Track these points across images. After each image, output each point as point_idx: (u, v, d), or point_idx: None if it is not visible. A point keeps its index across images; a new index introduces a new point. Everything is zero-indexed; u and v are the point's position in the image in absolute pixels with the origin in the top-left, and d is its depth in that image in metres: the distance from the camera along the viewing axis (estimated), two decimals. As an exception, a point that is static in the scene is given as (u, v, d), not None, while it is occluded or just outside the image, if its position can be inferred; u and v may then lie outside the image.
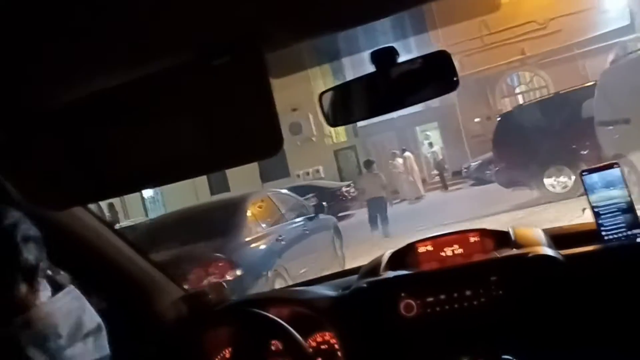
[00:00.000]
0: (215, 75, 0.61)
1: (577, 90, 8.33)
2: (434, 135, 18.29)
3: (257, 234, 5.08)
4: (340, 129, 19.49)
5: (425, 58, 0.92)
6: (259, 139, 0.62)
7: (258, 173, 18.36)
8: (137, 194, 19.17)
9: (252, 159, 0.66)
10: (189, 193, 18.24)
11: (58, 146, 0.70)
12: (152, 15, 0.52)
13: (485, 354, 1.13)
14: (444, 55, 0.92)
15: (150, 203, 19.30)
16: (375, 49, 0.93)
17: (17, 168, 0.72)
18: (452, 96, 16.55)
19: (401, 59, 0.92)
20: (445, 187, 14.91)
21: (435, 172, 15.55)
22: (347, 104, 1.02)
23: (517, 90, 17.45)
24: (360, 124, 17.87)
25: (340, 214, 14.08)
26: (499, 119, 9.36)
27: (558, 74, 15.07)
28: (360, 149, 18.12)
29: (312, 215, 6.37)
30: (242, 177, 17.52)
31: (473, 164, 13.79)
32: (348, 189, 14.60)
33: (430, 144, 16.78)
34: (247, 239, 4.92)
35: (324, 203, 6.84)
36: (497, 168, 9.02)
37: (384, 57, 0.91)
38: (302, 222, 6.11)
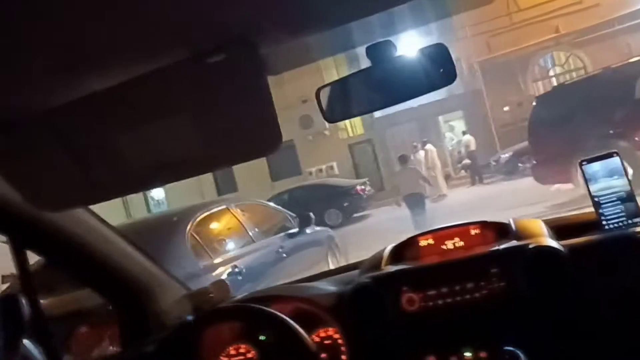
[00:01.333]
0: (210, 74, 0.66)
1: (633, 64, 7.66)
2: (459, 126, 18.05)
3: (199, 267, 3.80)
4: (357, 121, 19.49)
5: (422, 51, 1.02)
6: (257, 136, 0.67)
7: (267, 171, 18.55)
8: (141, 196, 19.64)
9: (251, 157, 0.71)
10: (194, 194, 18.57)
11: (56, 147, 0.77)
12: (145, 15, 0.59)
13: (487, 346, 1.24)
14: (441, 48, 1.02)
15: (155, 206, 19.70)
16: (371, 43, 1.01)
17: (17, 169, 0.80)
18: (478, 81, 16.44)
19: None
20: (476, 181, 14.68)
21: (467, 161, 15.16)
22: (344, 99, 1.12)
23: (551, 73, 17.27)
24: (377, 114, 17.85)
25: (355, 215, 14.10)
26: (535, 102, 8.72)
27: (597, 52, 14.85)
28: (377, 142, 18.13)
29: (294, 231, 5.37)
30: (250, 176, 17.74)
31: (503, 156, 13.64)
32: (363, 186, 14.60)
33: (464, 132, 16.38)
34: (182, 277, 2.90)
35: (311, 214, 5.56)
36: (533, 161, 8.38)
37: (380, 51, 1.00)
38: (277, 242, 5.02)
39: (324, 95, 1.11)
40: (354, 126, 19.89)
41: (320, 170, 17.89)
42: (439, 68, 1.02)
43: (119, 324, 1.50)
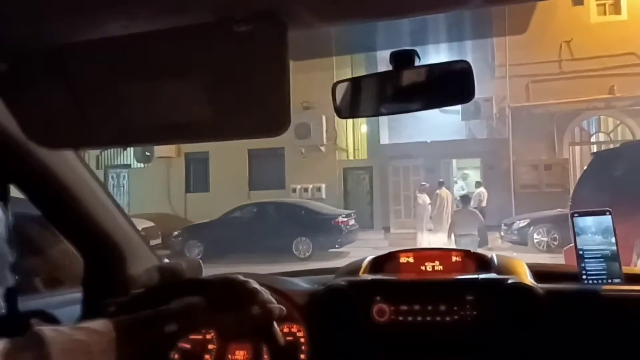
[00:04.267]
0: (234, 42, 0.74)
1: None
2: (473, 176, 18.24)
3: None
4: (363, 145, 19.67)
5: (444, 65, 1.22)
6: (266, 114, 0.76)
7: (247, 178, 18.71)
8: (101, 177, 19.80)
9: (255, 134, 0.80)
10: (159, 185, 18.75)
11: (60, 84, 0.86)
12: None
13: None
14: (464, 65, 1.20)
15: (114, 187, 19.90)
16: (396, 49, 1.21)
17: (17, 99, 0.90)
18: (506, 130, 16.63)
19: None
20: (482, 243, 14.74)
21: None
22: (358, 98, 1.32)
23: (593, 139, 17.46)
24: (384, 141, 18.09)
25: (330, 250, 13.97)
26: (592, 158, 8.37)
27: (651, 128, 15.17)
28: (377, 172, 18.37)
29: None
30: (227, 179, 17.90)
31: (518, 221, 13.88)
32: (346, 219, 14.63)
33: (478, 183, 16.60)
34: None
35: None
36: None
37: (403, 58, 1.20)
38: None
39: (340, 91, 1.29)
40: (357, 149, 20.01)
41: (306, 190, 18.10)
42: (458, 85, 1.18)
43: (84, 279, 1.70)
